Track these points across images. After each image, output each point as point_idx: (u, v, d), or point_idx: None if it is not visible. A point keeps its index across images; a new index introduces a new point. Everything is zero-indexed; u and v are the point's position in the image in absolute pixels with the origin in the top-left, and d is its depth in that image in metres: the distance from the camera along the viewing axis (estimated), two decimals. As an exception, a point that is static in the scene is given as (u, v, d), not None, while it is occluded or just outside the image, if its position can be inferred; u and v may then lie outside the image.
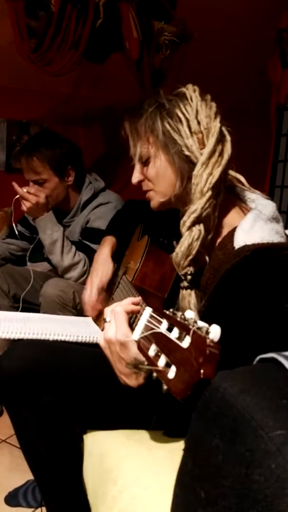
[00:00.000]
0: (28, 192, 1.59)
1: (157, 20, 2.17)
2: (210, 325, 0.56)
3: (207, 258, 0.88)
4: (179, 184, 0.90)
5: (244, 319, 0.79)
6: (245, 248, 0.79)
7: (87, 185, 1.78)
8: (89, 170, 1.88)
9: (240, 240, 0.82)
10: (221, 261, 0.84)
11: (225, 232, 0.89)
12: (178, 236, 1.03)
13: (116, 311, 0.81)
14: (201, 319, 0.82)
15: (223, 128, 0.88)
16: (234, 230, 0.86)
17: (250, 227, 0.83)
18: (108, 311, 0.84)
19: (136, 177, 0.97)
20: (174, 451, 0.86)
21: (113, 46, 2.11)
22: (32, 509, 1.29)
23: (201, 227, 0.84)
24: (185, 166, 0.88)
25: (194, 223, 0.84)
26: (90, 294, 1.24)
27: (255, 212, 0.87)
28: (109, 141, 2.84)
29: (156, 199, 0.96)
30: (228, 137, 0.88)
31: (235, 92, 2.65)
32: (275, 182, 2.66)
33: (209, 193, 0.83)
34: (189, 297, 0.84)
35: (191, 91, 0.90)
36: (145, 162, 0.94)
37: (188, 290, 0.84)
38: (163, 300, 1.00)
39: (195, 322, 0.57)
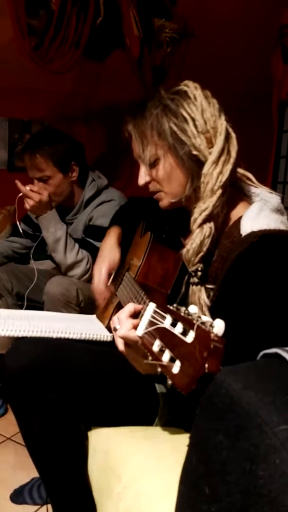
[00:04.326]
0: (31, 190, 1.59)
1: (158, 17, 2.16)
2: (215, 319, 0.56)
3: (214, 249, 0.88)
4: (190, 185, 0.90)
5: (251, 309, 0.79)
6: (252, 234, 0.80)
7: (90, 182, 1.78)
8: (91, 167, 1.87)
9: (247, 227, 0.82)
10: (229, 249, 0.85)
11: (230, 223, 0.90)
12: (183, 233, 1.03)
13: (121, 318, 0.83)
14: (211, 310, 0.83)
15: (228, 126, 0.88)
16: (239, 219, 0.86)
17: (256, 215, 0.84)
18: (115, 320, 0.85)
19: (143, 179, 0.96)
20: (179, 447, 0.86)
21: (114, 43, 2.10)
22: (38, 506, 1.30)
23: (211, 224, 0.85)
24: (193, 165, 0.88)
25: (205, 220, 0.85)
26: (99, 281, 1.22)
27: (260, 203, 0.88)
28: (111, 139, 2.84)
29: (166, 200, 0.96)
30: (233, 134, 0.89)
31: (236, 88, 2.64)
32: (277, 178, 2.65)
33: (219, 191, 0.85)
34: (199, 292, 0.85)
35: (193, 89, 0.90)
36: (153, 164, 0.93)
37: (198, 286, 0.86)
38: (166, 296, 1.00)
39: (199, 317, 0.57)
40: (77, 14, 1.89)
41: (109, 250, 1.25)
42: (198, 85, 0.91)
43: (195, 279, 0.86)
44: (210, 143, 0.86)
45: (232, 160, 0.87)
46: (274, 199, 0.90)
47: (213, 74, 2.33)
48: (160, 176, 0.93)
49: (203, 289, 0.86)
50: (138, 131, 0.92)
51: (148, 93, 0.95)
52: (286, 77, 2.47)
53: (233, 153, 0.87)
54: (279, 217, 0.85)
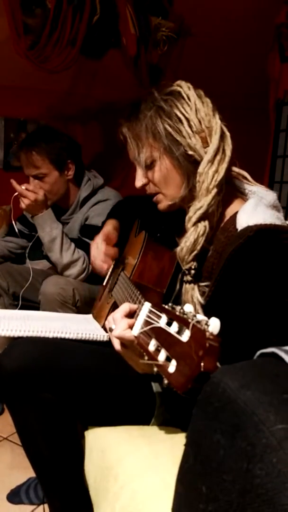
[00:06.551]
0: (26, 189, 1.59)
1: (154, 16, 2.16)
2: (210, 317, 0.56)
3: (209, 246, 0.88)
4: (186, 185, 0.90)
5: (247, 305, 0.79)
6: (248, 229, 0.79)
7: (86, 181, 1.77)
8: (87, 167, 1.87)
9: (243, 222, 0.82)
10: (224, 244, 0.85)
11: (226, 219, 0.90)
12: (177, 231, 1.03)
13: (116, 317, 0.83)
14: (207, 306, 0.83)
15: (222, 125, 0.88)
16: (235, 214, 0.86)
17: (252, 210, 0.84)
18: (110, 320, 0.85)
19: (140, 181, 0.96)
20: (175, 446, 0.86)
21: (110, 42, 2.10)
22: (34, 506, 1.30)
23: (206, 223, 0.85)
24: (189, 166, 0.88)
25: (200, 219, 0.85)
26: (97, 246, 1.20)
27: (256, 198, 0.88)
28: (108, 138, 2.83)
29: (165, 202, 0.96)
30: (227, 133, 0.89)
31: (233, 87, 2.64)
32: (274, 177, 2.65)
33: (215, 190, 0.85)
34: (192, 291, 0.85)
35: (186, 89, 0.90)
36: (149, 166, 0.93)
37: (191, 284, 0.85)
38: (162, 295, 1.00)
39: (194, 315, 0.57)
40: (73, 13, 1.88)
41: (105, 229, 1.25)
42: (191, 85, 0.91)
43: (189, 277, 0.86)
44: (206, 143, 0.86)
45: (227, 159, 0.87)
46: (270, 195, 0.90)
47: (210, 73, 2.33)
48: (156, 177, 0.93)
49: (196, 287, 0.85)
50: (133, 133, 0.92)
51: (141, 95, 0.94)
52: (283, 76, 2.47)
53: (228, 152, 0.87)
54: (274, 213, 0.85)
